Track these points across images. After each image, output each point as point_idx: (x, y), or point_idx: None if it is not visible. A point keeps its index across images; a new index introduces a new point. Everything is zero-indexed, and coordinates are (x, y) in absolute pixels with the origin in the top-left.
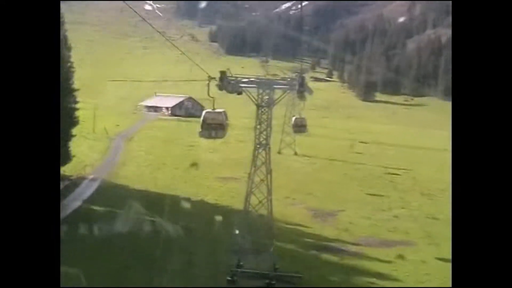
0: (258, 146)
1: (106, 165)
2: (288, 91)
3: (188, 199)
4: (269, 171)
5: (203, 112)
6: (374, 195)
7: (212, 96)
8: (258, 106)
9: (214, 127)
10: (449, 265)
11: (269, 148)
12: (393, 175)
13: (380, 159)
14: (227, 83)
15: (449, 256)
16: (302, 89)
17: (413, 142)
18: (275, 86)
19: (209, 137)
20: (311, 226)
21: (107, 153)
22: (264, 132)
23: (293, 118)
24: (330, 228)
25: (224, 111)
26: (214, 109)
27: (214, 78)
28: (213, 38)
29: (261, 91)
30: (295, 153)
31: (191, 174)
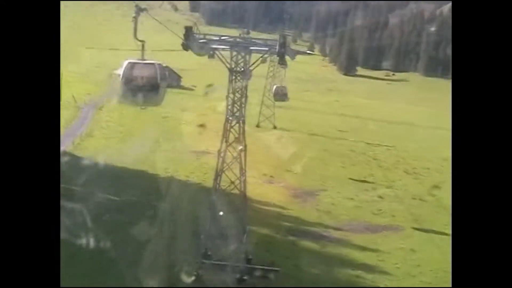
0: (230, 118)
1: (69, 136)
2: (267, 54)
3: (155, 175)
4: (242, 148)
5: (124, 63)
6: (357, 174)
7: (141, 39)
8: (232, 71)
9: (142, 87)
10: (440, 253)
11: (244, 120)
12: (376, 152)
13: (362, 134)
14: (193, 41)
15: (440, 243)
16: (283, 51)
17: (395, 117)
18: (253, 48)
19: (133, 102)
20: (290, 208)
21: (72, 122)
22: (238, 102)
23: (274, 87)
24: (311, 210)
25: (159, 64)
26: (142, 59)
27: (145, 9)
28: (194, 7)
29: (235, 53)
30: (274, 127)
31: (162, 147)
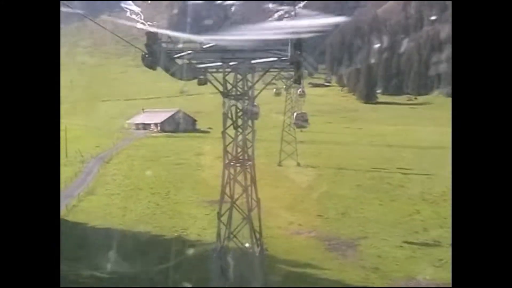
0: (230, 164)
1: (65, 197)
2: (276, 66)
3: (159, 238)
4: (253, 205)
5: None
6: (400, 212)
7: None
8: (227, 96)
9: None
10: None
11: (253, 165)
12: (416, 183)
13: (396, 163)
14: (164, 57)
15: None
16: (298, 54)
17: (427, 142)
18: (255, 62)
19: None
20: (326, 267)
21: (73, 180)
22: (242, 140)
23: (294, 114)
24: (354, 267)
25: None
26: None
27: None
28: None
29: (230, 69)
30: (298, 164)
31: (172, 199)
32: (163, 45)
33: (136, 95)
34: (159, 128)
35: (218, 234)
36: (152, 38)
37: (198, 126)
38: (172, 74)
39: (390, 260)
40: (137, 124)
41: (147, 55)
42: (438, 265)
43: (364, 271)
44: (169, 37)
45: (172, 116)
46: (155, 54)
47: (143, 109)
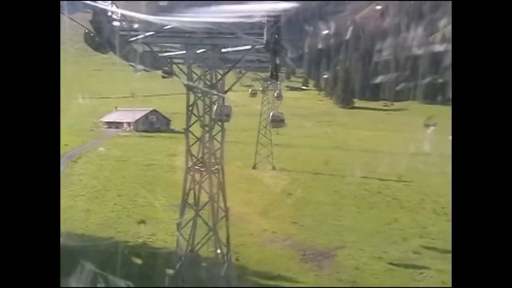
0: (194, 168)
1: None
2: (251, 55)
3: (123, 245)
4: (219, 216)
5: None
6: (378, 220)
7: None
8: (191, 89)
9: None
10: None
11: (222, 170)
12: (394, 190)
13: (373, 169)
14: (116, 39)
15: None
16: (275, 39)
17: (404, 148)
18: (225, 50)
19: None
20: (301, 280)
21: None
22: (208, 141)
23: (271, 113)
24: (330, 280)
25: None
26: None
27: None
28: None
29: (194, 58)
30: (273, 168)
31: (139, 202)
32: (115, 23)
33: (111, 93)
34: (132, 127)
35: (178, 249)
36: (99, 13)
37: (172, 127)
38: (125, 58)
39: (368, 273)
40: (109, 123)
41: (92, 34)
42: (420, 279)
43: (341, 285)
44: (122, 15)
45: (146, 116)
46: (103, 34)
47: (116, 108)
